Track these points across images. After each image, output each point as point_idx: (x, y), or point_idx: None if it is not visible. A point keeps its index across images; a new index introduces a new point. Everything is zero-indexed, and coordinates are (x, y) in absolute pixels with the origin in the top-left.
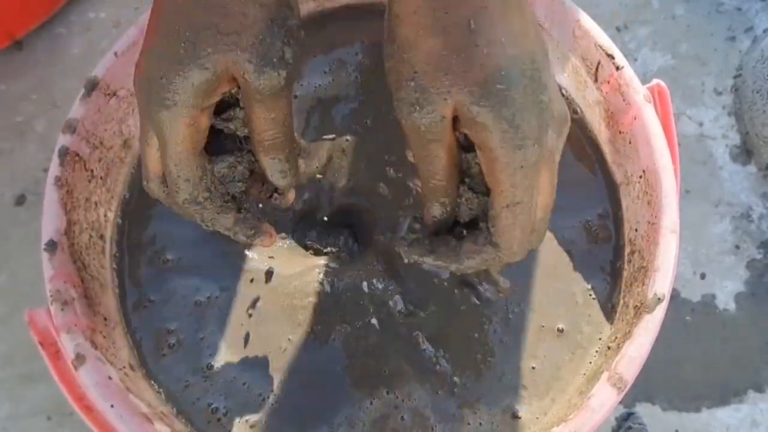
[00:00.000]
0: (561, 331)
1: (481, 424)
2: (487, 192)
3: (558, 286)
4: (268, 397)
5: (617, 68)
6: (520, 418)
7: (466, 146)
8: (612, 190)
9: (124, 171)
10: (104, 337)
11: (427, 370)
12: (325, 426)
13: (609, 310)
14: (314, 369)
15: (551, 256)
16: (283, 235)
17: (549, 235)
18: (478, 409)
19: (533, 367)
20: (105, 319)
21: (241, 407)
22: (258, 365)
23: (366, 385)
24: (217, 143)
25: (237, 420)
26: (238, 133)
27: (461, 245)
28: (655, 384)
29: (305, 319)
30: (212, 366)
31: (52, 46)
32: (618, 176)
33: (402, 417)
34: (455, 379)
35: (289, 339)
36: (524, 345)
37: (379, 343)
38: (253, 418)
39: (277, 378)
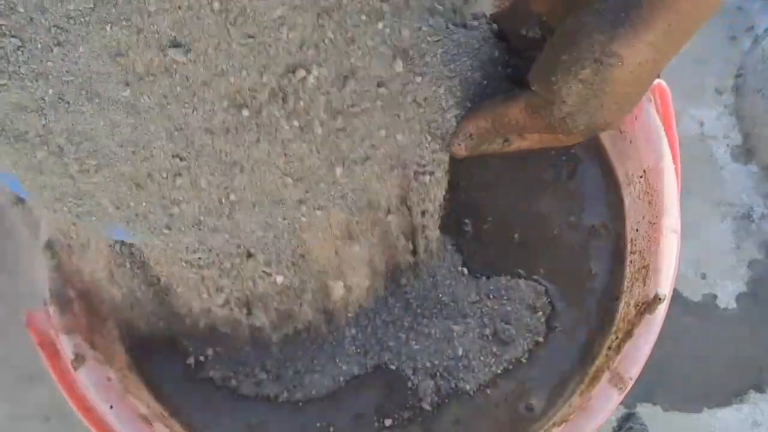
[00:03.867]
0: (563, 324)
1: (496, 405)
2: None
3: (558, 285)
4: (270, 394)
5: None
6: (533, 410)
7: None
8: (613, 189)
9: None
10: (103, 337)
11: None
12: (329, 415)
13: (610, 310)
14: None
15: (551, 255)
16: None
17: (549, 234)
18: (493, 397)
19: (541, 354)
20: (104, 320)
21: (242, 404)
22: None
23: (378, 377)
24: None
25: (237, 416)
26: None
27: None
28: (656, 384)
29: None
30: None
31: None
32: (619, 176)
33: (414, 404)
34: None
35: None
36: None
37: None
38: (255, 412)
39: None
